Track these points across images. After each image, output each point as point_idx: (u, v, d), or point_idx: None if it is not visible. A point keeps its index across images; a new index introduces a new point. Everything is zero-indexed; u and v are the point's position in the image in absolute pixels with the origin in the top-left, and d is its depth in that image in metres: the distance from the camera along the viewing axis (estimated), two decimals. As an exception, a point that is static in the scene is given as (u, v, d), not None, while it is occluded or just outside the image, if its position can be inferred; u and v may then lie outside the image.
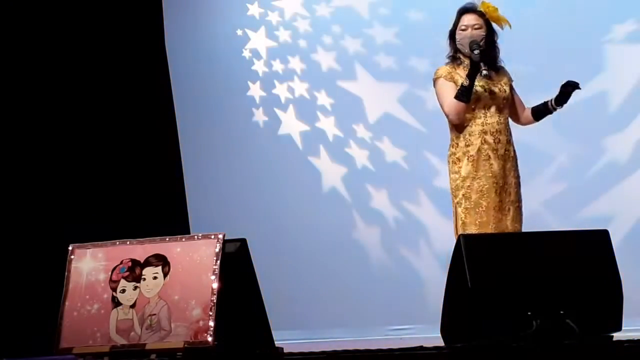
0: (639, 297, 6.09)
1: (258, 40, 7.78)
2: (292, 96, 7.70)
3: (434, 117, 7.37)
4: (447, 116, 5.02)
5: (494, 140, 4.98)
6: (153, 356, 3.80)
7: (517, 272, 3.95)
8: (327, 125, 7.63)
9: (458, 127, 5.00)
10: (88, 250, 4.08)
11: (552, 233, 4.58)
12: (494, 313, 3.86)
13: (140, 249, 4.01)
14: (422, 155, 7.38)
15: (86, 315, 3.98)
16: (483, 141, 4.96)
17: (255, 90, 7.77)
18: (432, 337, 4.54)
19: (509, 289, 3.92)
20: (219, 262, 3.85)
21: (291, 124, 7.69)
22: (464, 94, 4.88)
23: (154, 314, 3.88)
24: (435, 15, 7.34)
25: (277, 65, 7.74)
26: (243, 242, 4.03)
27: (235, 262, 3.96)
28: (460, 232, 4.86)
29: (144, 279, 3.94)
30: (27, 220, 6.96)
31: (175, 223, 7.38)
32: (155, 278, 3.93)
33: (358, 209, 7.53)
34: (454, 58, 5.09)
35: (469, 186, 4.94)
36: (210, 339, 3.75)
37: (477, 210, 4.91)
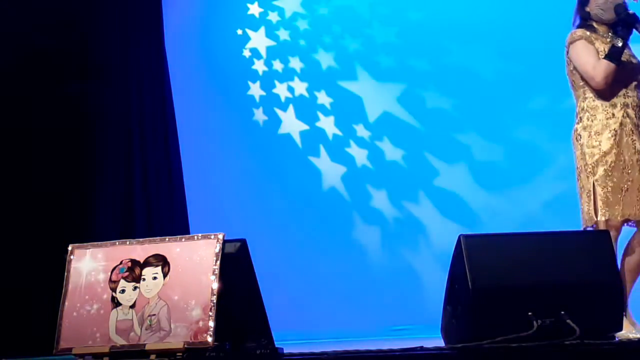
0: (640, 296, 6.07)
1: (258, 40, 7.78)
2: (292, 95, 7.70)
3: (433, 116, 7.41)
4: (591, 80, 4.67)
5: (635, 114, 4.69)
6: (153, 356, 3.79)
7: (518, 272, 3.94)
8: (327, 124, 7.63)
9: (601, 94, 4.66)
10: (87, 250, 4.07)
11: (553, 233, 4.56)
12: (494, 313, 3.86)
13: (139, 249, 3.99)
14: (422, 154, 7.38)
15: (86, 316, 3.96)
16: (625, 114, 4.66)
17: (255, 90, 7.78)
18: (432, 337, 4.54)
19: (509, 289, 3.91)
20: (218, 262, 3.84)
21: (291, 124, 7.70)
22: (617, 54, 4.57)
23: (154, 314, 3.87)
24: (435, 15, 7.35)
25: (277, 65, 7.74)
26: (243, 242, 4.02)
27: (235, 262, 3.94)
28: (600, 213, 4.60)
29: (144, 279, 3.93)
30: (27, 220, 6.95)
31: (175, 223, 7.38)
32: (155, 278, 3.92)
33: (358, 208, 7.53)
34: (587, 26, 4.79)
35: (611, 162, 4.61)
36: (210, 339, 3.74)
37: (622, 188, 4.60)
